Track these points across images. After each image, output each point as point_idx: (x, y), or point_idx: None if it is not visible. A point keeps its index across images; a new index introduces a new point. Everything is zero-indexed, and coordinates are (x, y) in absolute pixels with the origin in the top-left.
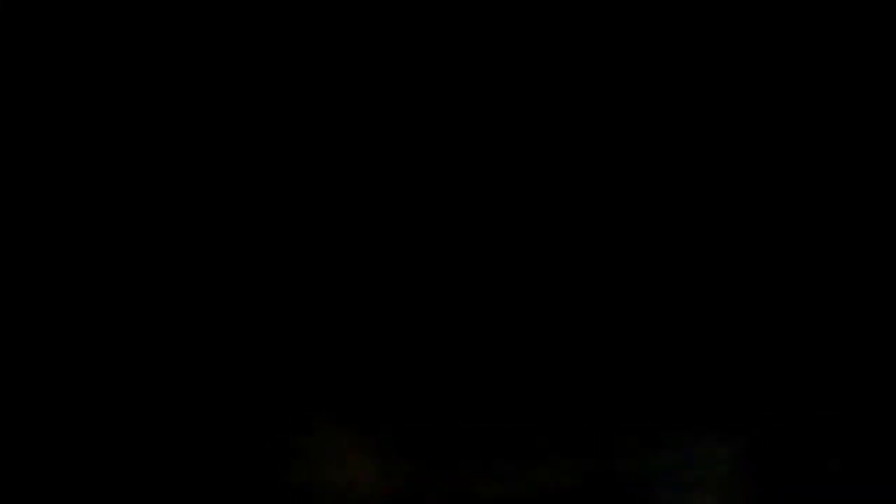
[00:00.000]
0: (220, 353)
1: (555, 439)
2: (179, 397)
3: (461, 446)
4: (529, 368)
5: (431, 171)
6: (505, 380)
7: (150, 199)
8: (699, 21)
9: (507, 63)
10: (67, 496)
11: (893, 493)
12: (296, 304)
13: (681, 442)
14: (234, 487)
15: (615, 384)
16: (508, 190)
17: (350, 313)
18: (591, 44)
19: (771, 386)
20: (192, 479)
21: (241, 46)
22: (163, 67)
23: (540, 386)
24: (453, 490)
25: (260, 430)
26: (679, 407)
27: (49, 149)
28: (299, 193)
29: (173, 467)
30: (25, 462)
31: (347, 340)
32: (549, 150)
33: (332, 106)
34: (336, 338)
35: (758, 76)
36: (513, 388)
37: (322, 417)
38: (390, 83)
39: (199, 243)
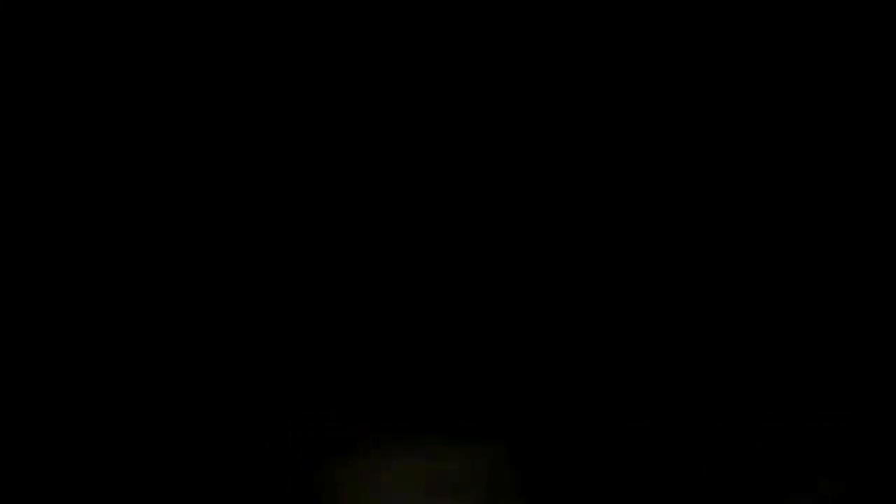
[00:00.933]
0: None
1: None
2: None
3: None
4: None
5: (431, 171)
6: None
7: (150, 199)
8: (699, 21)
9: (506, 63)
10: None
11: None
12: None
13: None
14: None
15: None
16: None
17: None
18: (591, 44)
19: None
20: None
21: (241, 46)
22: (163, 67)
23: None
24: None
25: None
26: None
27: (49, 149)
28: (300, 193)
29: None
30: (25, 462)
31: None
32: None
33: (332, 106)
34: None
35: (758, 76)
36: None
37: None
38: (390, 83)
39: (202, 244)
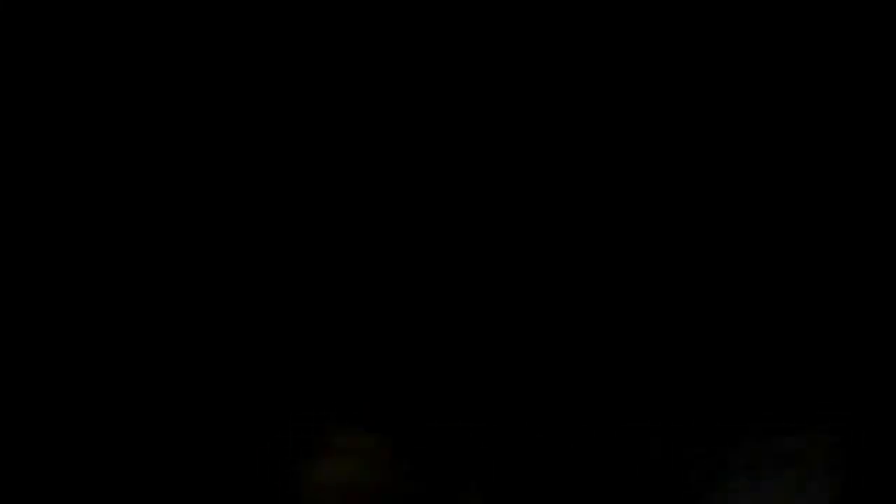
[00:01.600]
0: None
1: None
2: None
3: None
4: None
5: (431, 171)
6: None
7: (150, 199)
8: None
9: (506, 63)
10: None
11: None
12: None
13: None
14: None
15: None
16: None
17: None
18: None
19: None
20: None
21: (241, 46)
22: (163, 67)
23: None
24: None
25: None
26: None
27: (49, 149)
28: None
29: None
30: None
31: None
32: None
33: (332, 106)
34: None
35: (758, 76)
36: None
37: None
38: (390, 83)
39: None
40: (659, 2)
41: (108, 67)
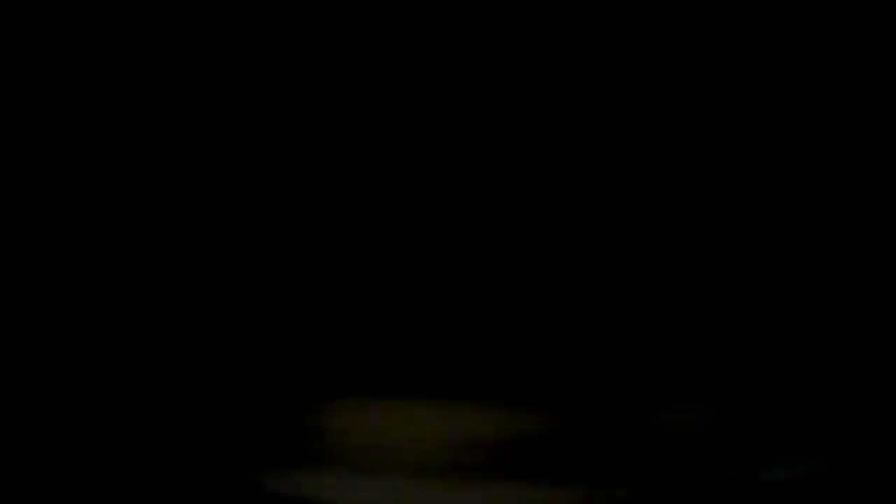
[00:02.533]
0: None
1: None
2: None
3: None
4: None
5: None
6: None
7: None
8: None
9: (507, 63)
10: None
11: None
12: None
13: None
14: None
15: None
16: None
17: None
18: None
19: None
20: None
21: (241, 46)
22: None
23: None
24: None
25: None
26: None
27: (49, 149)
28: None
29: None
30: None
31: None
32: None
33: (332, 106)
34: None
35: (758, 76)
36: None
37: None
38: (390, 83)
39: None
40: (659, 2)
41: (108, 67)
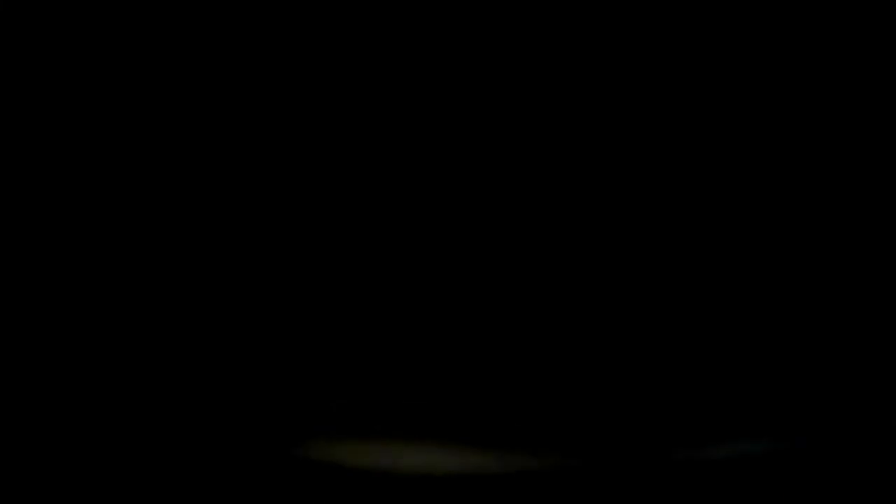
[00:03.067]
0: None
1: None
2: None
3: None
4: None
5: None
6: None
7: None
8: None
9: (507, 63)
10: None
11: None
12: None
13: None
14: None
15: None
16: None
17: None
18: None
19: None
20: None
21: (241, 46)
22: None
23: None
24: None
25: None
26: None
27: (49, 149)
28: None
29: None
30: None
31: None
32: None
33: (332, 106)
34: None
35: (758, 76)
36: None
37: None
38: (390, 83)
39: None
40: (659, 2)
41: (108, 67)
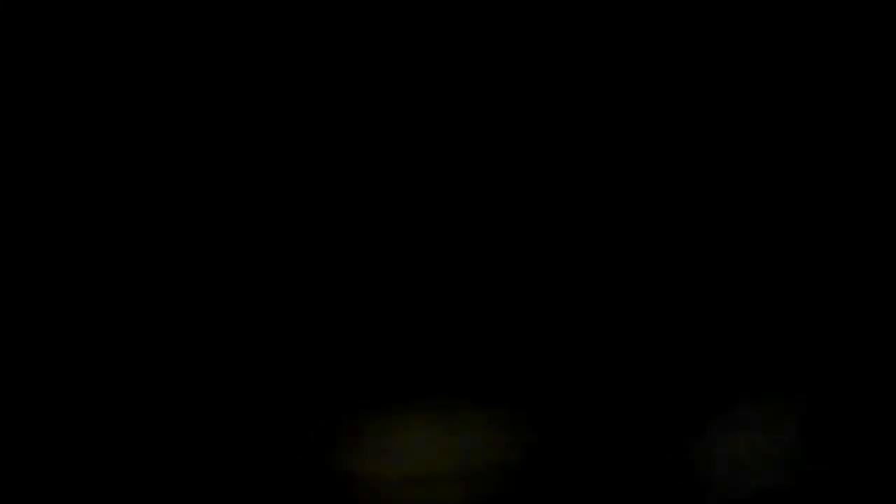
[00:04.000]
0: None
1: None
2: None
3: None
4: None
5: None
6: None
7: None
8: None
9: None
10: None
11: None
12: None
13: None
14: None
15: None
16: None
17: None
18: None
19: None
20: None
21: (241, 46)
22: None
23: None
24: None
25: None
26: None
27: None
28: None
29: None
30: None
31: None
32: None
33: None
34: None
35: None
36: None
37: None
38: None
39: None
40: (659, 2)
41: (108, 67)
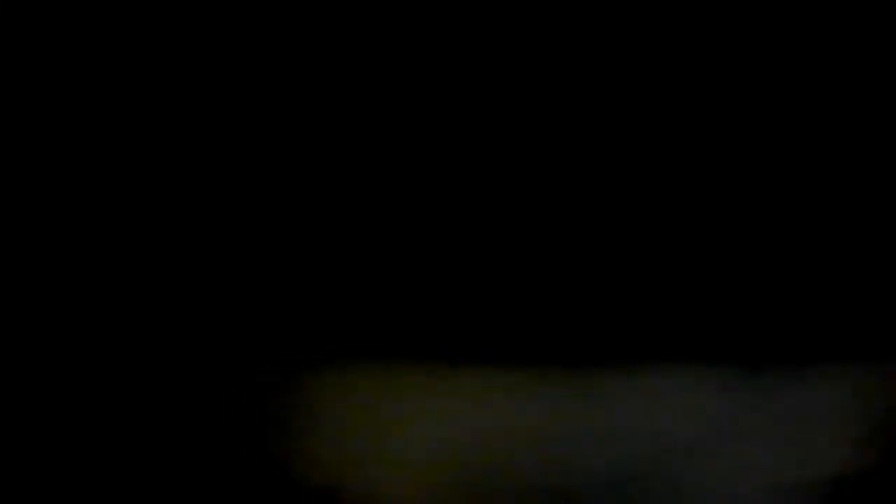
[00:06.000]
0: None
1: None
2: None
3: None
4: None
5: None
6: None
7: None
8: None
9: (507, 63)
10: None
11: None
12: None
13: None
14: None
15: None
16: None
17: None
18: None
19: None
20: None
21: (241, 46)
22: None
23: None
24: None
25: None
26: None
27: (49, 149)
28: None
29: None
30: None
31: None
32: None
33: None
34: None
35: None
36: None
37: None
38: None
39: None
40: (659, 2)
41: (108, 67)
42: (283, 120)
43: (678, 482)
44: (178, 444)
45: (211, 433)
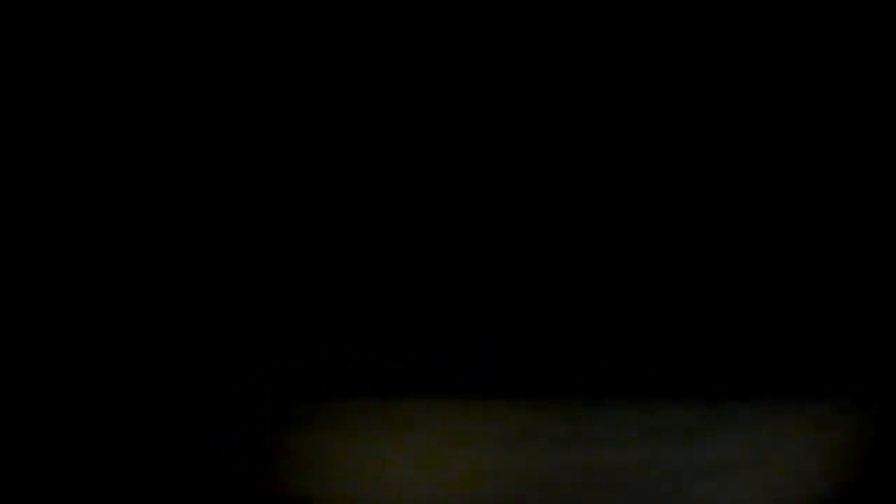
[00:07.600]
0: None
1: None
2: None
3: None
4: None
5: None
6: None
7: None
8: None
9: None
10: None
11: None
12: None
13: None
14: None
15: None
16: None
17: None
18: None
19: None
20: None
21: (241, 46)
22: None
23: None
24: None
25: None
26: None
27: (49, 149)
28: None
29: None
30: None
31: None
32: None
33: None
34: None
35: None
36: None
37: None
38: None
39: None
40: (659, 2)
41: (108, 67)
42: (279, 128)
43: None
44: (165, 473)
45: (199, 463)
